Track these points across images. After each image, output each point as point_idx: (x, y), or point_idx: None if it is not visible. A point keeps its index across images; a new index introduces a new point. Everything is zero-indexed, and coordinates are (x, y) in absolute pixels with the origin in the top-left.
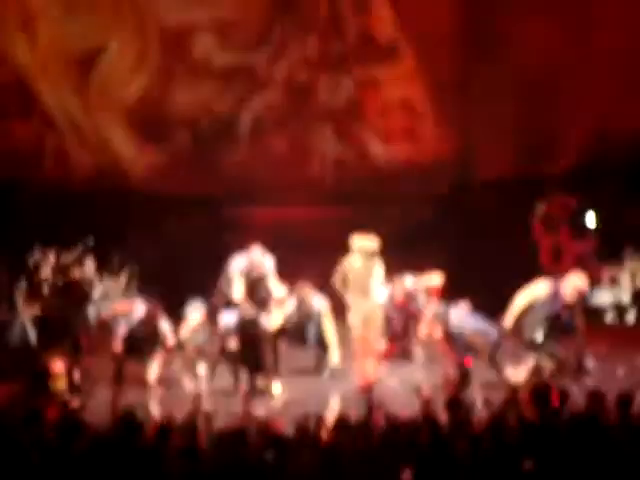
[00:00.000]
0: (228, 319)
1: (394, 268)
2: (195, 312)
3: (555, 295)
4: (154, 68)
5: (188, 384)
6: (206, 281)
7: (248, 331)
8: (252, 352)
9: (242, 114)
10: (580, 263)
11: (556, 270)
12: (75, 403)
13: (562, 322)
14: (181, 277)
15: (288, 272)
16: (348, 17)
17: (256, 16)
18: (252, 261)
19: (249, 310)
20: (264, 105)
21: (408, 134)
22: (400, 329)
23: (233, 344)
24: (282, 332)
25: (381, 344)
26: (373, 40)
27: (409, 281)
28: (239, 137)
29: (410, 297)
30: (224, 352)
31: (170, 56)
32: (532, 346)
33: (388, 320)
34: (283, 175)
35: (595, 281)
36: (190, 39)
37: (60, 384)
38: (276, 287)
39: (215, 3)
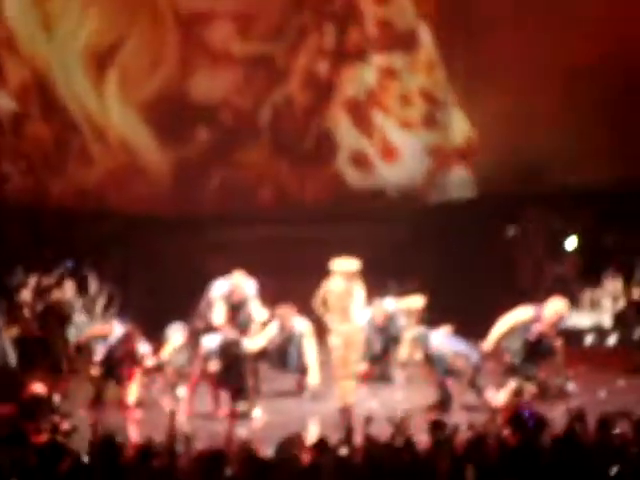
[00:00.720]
0: (210, 341)
1: (374, 290)
2: (177, 334)
3: (536, 320)
4: (174, 60)
5: (168, 406)
6: (188, 304)
7: (230, 353)
8: (233, 374)
9: (262, 107)
10: (560, 285)
11: (535, 291)
12: (65, 425)
13: (542, 346)
14: (163, 300)
15: (270, 294)
16: (366, 6)
17: (274, 6)
18: (233, 285)
19: (231, 333)
20: (283, 97)
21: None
22: (380, 351)
23: (214, 366)
24: (264, 354)
25: (361, 366)
26: (392, 28)
27: (389, 303)
28: (259, 131)
29: (390, 319)
30: (205, 374)
31: (189, 47)
32: (511, 369)
33: (368, 342)
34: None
35: (575, 303)
36: (209, 29)
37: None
38: (258, 310)
39: None
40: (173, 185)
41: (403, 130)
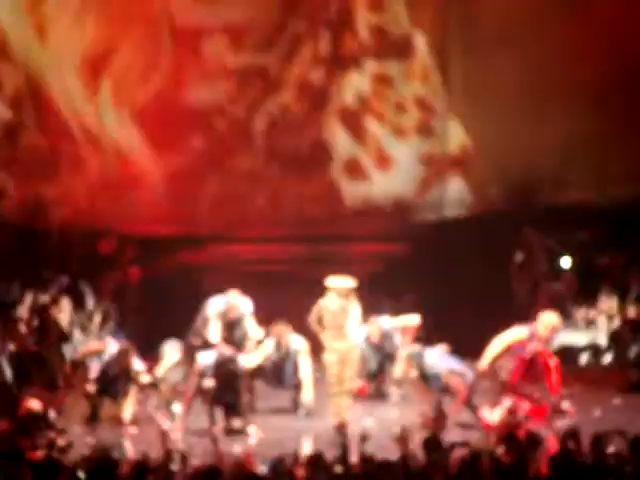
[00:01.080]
0: (205, 358)
1: (370, 307)
2: (172, 351)
3: (531, 339)
4: (167, 70)
5: (163, 423)
6: (184, 321)
7: (225, 370)
8: (228, 392)
9: (256, 116)
10: (555, 304)
11: (531, 310)
12: (61, 442)
13: (536, 364)
14: (158, 317)
15: (266, 311)
16: (360, 13)
17: (267, 16)
18: (229, 303)
19: (226, 350)
20: (278, 106)
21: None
22: (375, 369)
23: (209, 383)
24: (259, 372)
25: (356, 384)
26: (386, 36)
27: (385, 321)
28: (253, 139)
29: (386, 337)
30: (200, 391)
31: (184, 57)
32: (507, 388)
33: (364, 360)
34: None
35: (570, 322)
36: (203, 42)
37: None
38: (253, 328)
39: (226, 4)
40: (167, 194)
41: (397, 138)
